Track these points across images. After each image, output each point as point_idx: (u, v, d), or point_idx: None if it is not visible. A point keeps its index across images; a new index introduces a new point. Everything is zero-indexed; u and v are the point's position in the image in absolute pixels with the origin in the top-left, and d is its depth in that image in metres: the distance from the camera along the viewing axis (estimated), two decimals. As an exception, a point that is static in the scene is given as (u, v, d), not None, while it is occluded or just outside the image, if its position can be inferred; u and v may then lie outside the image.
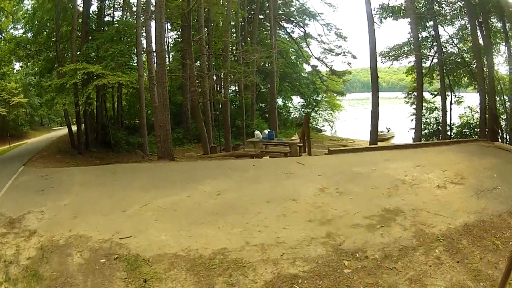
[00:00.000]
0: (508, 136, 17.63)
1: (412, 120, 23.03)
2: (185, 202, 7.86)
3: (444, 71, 21.35)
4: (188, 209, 7.44)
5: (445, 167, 8.77)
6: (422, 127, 21.89)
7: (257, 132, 20.73)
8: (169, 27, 30.66)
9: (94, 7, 25.62)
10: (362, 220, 6.28)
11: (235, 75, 23.35)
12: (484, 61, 17.58)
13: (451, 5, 20.67)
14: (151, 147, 22.29)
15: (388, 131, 35.04)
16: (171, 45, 31.80)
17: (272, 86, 30.22)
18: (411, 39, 22.13)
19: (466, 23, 19.88)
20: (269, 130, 20.76)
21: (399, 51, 23.04)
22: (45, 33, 23.88)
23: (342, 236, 5.81)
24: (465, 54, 21.12)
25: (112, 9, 27.42)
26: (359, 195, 7.41)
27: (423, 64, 22.17)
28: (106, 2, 26.46)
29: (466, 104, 22.01)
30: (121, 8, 27.72)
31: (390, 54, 23.11)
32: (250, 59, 23.23)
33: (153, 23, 18.86)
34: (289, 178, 8.99)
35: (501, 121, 17.65)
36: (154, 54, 17.75)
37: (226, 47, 24.93)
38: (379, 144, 28.42)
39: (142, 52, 21.66)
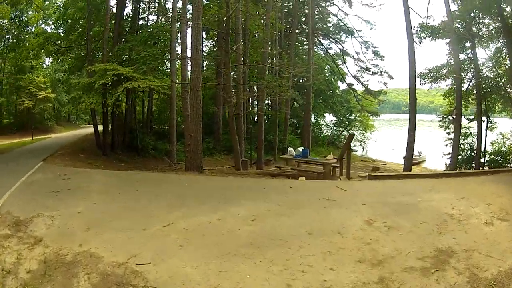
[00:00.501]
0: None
1: (446, 145, 22.13)
2: (215, 226, 6.87)
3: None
4: (219, 235, 6.43)
5: (489, 200, 8.04)
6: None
7: (290, 148, 19.75)
8: (204, 36, 30.15)
9: (128, 9, 25.34)
10: (415, 262, 5.47)
11: (272, 89, 22.34)
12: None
13: (487, 26, 19.51)
14: (179, 155, 21.72)
15: (420, 155, 33.58)
16: (205, 53, 31.15)
17: (307, 102, 29.10)
18: (450, 60, 21.02)
19: (502, 46, 19.02)
20: (303, 147, 19.75)
21: (438, 73, 21.75)
22: (76, 31, 23.64)
23: (396, 281, 4.98)
24: (499, 78, 20.00)
25: (147, 12, 27.19)
26: (408, 230, 6.52)
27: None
28: (141, 5, 26.19)
29: (498, 131, 21.01)
30: (156, 13, 27.31)
31: (429, 75, 21.90)
32: (289, 72, 22.37)
33: (189, 30, 18.22)
34: (332, 206, 7.97)
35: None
36: (189, 62, 16.95)
37: (264, 59, 23.82)
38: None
39: (177, 57, 20.98)
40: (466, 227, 6.69)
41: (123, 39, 22.52)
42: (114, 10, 23.23)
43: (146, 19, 27.11)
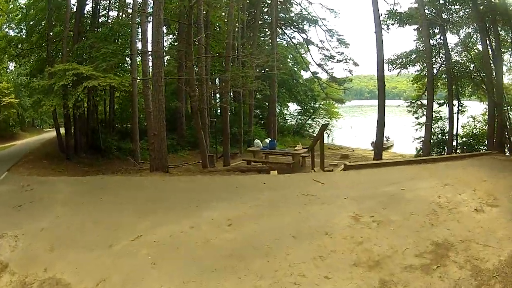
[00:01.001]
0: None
1: (416, 129, 22.31)
2: (189, 235, 6.24)
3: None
4: (195, 247, 5.79)
5: (474, 185, 7.95)
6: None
7: (257, 140, 19.43)
8: (165, 31, 29.01)
9: (89, 7, 24.16)
10: (414, 259, 5.09)
11: (237, 80, 21.73)
12: (493, 69, 16.70)
13: (457, 12, 19.55)
14: (143, 153, 20.97)
15: (388, 140, 33.88)
16: (167, 48, 30.20)
17: (272, 93, 28.62)
18: (419, 46, 21.32)
19: (473, 32, 19.16)
20: (270, 139, 19.41)
21: (407, 59, 21.86)
22: (37, 32, 22.43)
23: (399, 284, 4.56)
24: (469, 63, 20.04)
25: (107, 9, 25.93)
26: (399, 224, 6.13)
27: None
28: (102, 1, 24.94)
29: (468, 114, 21.32)
30: (117, 8, 26.16)
31: (397, 61, 21.93)
32: (254, 62, 21.82)
33: (150, 24, 17.70)
34: (312, 203, 7.50)
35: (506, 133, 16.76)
36: (150, 57, 16.24)
37: (228, 50, 23.09)
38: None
39: (138, 52, 20.35)
40: (457, 216, 6.44)
41: (83, 37, 21.41)
42: (75, 8, 22.13)
43: (106, 15, 25.85)
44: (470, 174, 9.01)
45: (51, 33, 21.31)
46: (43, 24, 22.14)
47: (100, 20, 24.93)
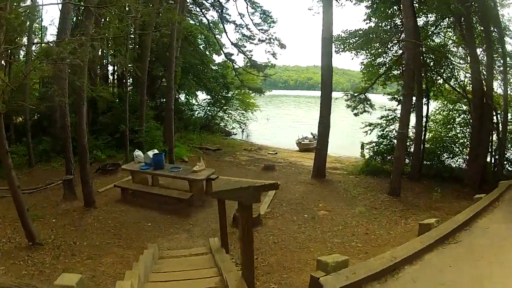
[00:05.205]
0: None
1: (366, 132, 18.08)
2: None
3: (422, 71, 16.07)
4: None
5: None
6: (378, 141, 17.50)
7: (137, 153, 13.18)
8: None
9: None
10: None
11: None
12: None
13: None
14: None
15: (314, 138, 28.93)
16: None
17: (168, 77, 19.60)
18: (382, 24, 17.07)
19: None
20: (155, 150, 13.16)
21: (363, 38, 16.89)
22: None
23: None
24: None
25: None
26: None
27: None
28: None
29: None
30: None
31: (350, 41, 17.02)
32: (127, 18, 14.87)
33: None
34: None
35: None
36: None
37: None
38: (304, 154, 22.56)
39: None
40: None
41: None
42: None
43: None
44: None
45: None
46: None
47: None
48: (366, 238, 9.30)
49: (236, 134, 33.02)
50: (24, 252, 8.09)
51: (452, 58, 15.98)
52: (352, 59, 18.17)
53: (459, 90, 15.92)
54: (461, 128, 16.77)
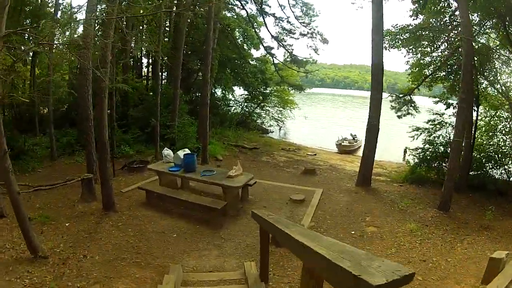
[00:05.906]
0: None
1: (413, 137, 16.35)
2: None
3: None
4: None
5: None
6: (424, 147, 15.62)
7: (166, 152, 11.73)
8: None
9: None
10: None
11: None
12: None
13: None
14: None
15: (354, 139, 27.23)
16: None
17: (205, 70, 17.71)
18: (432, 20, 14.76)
19: None
20: (187, 151, 11.60)
21: (416, 34, 14.92)
22: None
23: None
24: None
25: None
26: None
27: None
28: None
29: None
30: None
31: (401, 37, 15.17)
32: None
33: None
34: None
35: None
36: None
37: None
38: (344, 156, 21.14)
39: None
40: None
41: None
42: None
43: None
44: None
45: None
46: None
47: None
48: (424, 267, 7.84)
49: (273, 132, 31.40)
50: (24, 266, 6.82)
51: (497, 62, 13.98)
52: (405, 56, 16.18)
53: (503, 94, 13.87)
54: (502, 136, 14.72)
